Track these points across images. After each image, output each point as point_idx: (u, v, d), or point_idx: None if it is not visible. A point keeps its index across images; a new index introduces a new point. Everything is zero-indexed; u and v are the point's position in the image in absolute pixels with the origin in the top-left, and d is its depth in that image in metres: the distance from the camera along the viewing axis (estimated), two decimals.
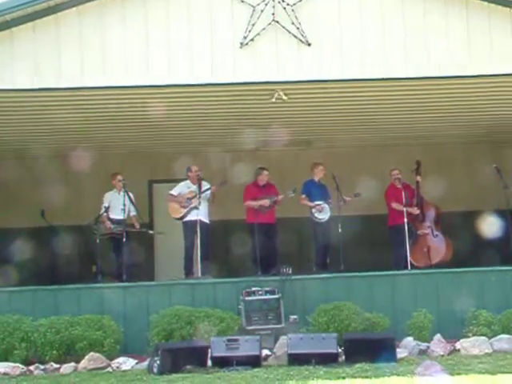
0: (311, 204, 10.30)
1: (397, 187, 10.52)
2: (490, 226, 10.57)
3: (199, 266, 9.72)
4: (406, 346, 8.33)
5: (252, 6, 8.56)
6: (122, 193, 10.13)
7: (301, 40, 8.59)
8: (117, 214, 10.07)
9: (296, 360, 7.82)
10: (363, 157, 11.74)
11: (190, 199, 10.11)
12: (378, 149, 11.74)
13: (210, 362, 7.90)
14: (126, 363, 8.21)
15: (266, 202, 10.21)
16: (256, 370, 7.65)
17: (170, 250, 11.13)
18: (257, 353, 7.91)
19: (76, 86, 8.55)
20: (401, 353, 8.08)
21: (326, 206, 10.26)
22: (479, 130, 11.19)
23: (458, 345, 8.39)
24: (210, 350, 7.91)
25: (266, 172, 10.45)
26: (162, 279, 10.88)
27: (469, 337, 8.50)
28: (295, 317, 8.83)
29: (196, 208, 9.93)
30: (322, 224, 10.21)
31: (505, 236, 10.55)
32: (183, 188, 10.27)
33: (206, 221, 10.11)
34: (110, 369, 8.16)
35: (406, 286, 9.26)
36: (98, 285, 9.33)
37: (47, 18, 8.45)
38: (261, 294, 8.88)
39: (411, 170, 10.70)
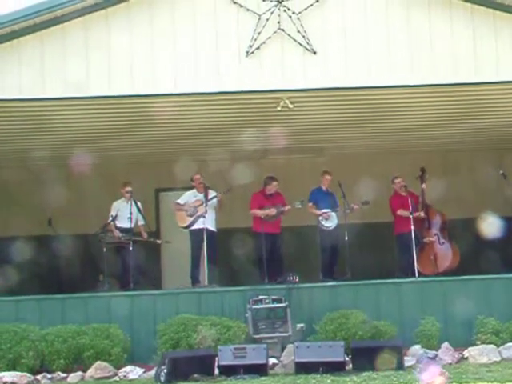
0: (318, 212, 10.30)
1: (401, 195, 10.51)
2: (496, 233, 10.55)
3: (206, 274, 9.73)
4: (414, 354, 8.31)
5: (257, 14, 8.59)
6: (129, 202, 10.17)
7: (306, 48, 8.61)
8: (124, 223, 10.10)
9: (303, 368, 7.81)
10: (369, 163, 11.72)
11: (196, 208, 10.13)
12: (383, 155, 11.73)
13: (217, 371, 7.90)
14: (133, 372, 8.22)
15: (272, 211, 10.21)
16: (263, 378, 7.66)
17: (176, 259, 11.12)
18: (264, 361, 7.90)
19: (82, 96, 8.58)
20: (408, 361, 8.07)
21: (333, 213, 10.25)
22: (485, 137, 11.18)
23: (466, 353, 8.37)
24: (217, 359, 7.91)
25: (275, 183, 10.41)
26: (168, 287, 10.88)
27: (477, 345, 8.48)
28: (302, 325, 8.83)
29: (202, 216, 9.95)
30: (329, 232, 10.20)
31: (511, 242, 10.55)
32: (190, 197, 10.29)
33: (213, 229, 10.12)
34: (117, 378, 8.16)
35: (413, 293, 9.25)
36: (104, 293, 9.34)
37: (54, 28, 8.48)
38: (268, 303, 8.88)
39: (416, 178, 10.69)
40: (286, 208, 10.25)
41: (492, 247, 10.62)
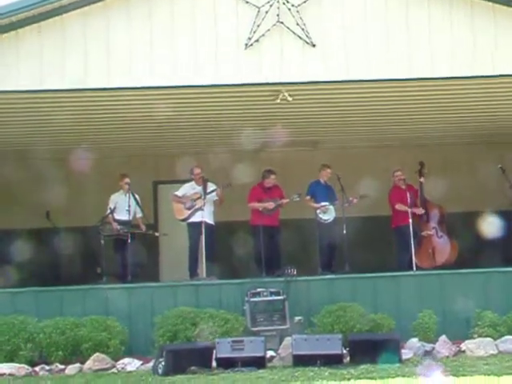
0: (315, 205, 10.31)
1: (401, 188, 10.52)
2: (494, 227, 10.56)
3: (204, 267, 9.73)
4: (411, 347, 8.32)
5: (257, 6, 8.57)
6: (128, 194, 10.17)
7: (305, 41, 8.59)
8: (122, 215, 10.10)
9: (301, 361, 7.82)
10: (368, 157, 11.72)
11: (194, 200, 10.13)
12: (382, 149, 11.73)
13: (214, 363, 7.91)
14: (130, 364, 8.23)
15: (270, 205, 10.22)
16: (261, 371, 7.66)
17: (174, 251, 11.14)
18: (261, 354, 7.91)
19: (80, 88, 8.57)
20: (406, 354, 8.08)
21: (331, 207, 10.26)
22: (483, 131, 11.17)
23: (463, 346, 8.39)
24: (214, 351, 7.92)
25: (273, 176, 10.42)
26: (166, 280, 10.89)
27: (474, 338, 8.49)
28: (300, 318, 8.84)
29: (201, 209, 9.95)
30: (326, 225, 10.22)
31: (509, 236, 10.55)
32: (188, 189, 10.28)
33: (211, 222, 10.11)
34: (115, 370, 8.18)
35: (410, 286, 9.26)
36: (102, 286, 9.35)
37: (52, 20, 8.46)
38: (266, 295, 8.89)
39: (414, 172, 10.69)
40: (284, 201, 10.25)
41: (491, 241, 10.63)
